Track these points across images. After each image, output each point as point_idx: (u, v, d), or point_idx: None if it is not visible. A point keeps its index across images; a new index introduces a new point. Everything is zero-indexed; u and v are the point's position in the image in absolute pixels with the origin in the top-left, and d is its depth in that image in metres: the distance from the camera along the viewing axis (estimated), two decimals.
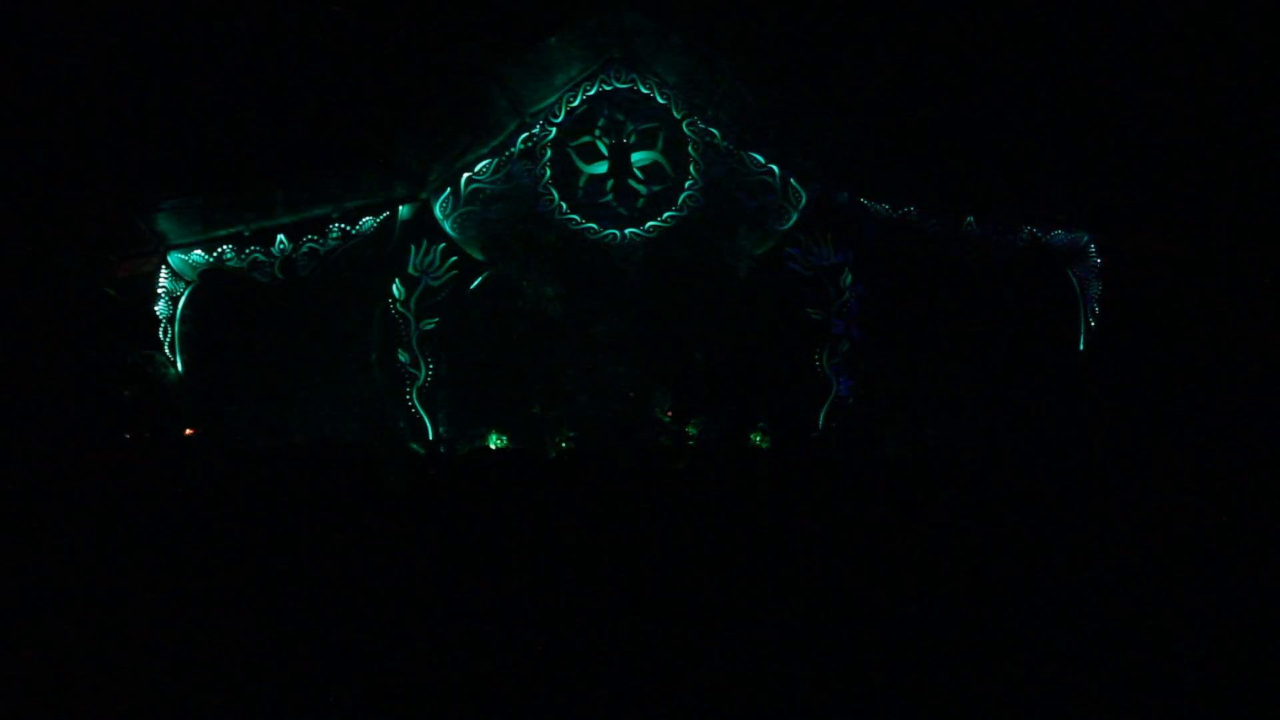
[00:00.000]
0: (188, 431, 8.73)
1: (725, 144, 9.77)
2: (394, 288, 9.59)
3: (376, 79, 7.97)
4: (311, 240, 9.40)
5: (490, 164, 9.75)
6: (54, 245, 7.88)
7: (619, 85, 9.70)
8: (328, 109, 8.05)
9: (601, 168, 9.83)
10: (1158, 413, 7.92)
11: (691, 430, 9.47)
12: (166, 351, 8.98)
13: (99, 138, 7.47)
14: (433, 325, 9.68)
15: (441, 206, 9.72)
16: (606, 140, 9.81)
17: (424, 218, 9.71)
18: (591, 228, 9.76)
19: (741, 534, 4.34)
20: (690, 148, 9.76)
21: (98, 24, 6.52)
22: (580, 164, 9.84)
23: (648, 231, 9.78)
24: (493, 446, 9.46)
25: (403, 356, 9.62)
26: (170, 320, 9.12)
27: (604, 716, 3.39)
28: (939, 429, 9.24)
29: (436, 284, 9.69)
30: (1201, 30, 6.53)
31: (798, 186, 9.79)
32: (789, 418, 9.61)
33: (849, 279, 9.70)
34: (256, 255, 9.31)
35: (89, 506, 4.71)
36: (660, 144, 9.84)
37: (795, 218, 9.81)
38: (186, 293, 9.18)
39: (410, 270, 9.63)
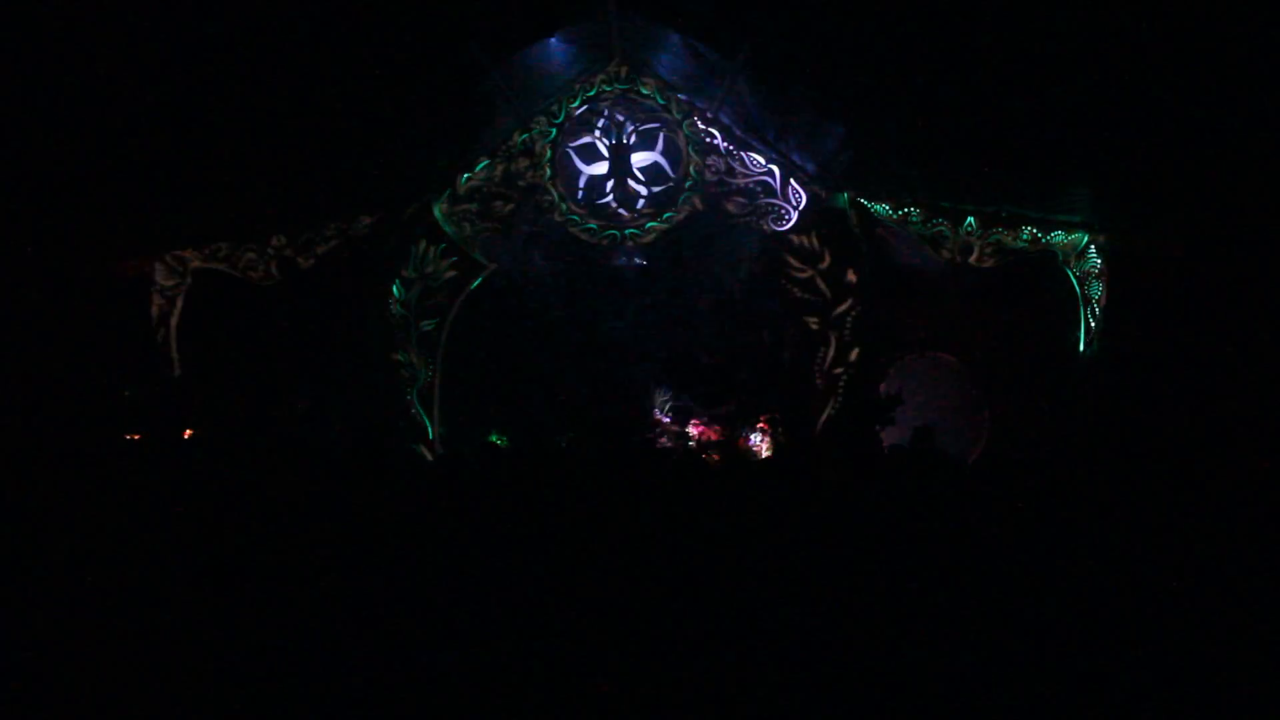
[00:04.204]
0: (187, 432, 8.72)
1: (725, 144, 9.76)
2: (394, 288, 9.59)
3: (375, 78, 7.96)
4: (309, 240, 9.39)
5: (490, 164, 9.75)
6: (53, 245, 7.88)
7: (619, 85, 9.69)
8: (326, 108, 8.05)
9: (601, 168, 9.83)
10: (1160, 414, 7.92)
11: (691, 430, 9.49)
12: (165, 351, 8.98)
13: (94, 138, 7.47)
14: (433, 325, 9.68)
15: (441, 206, 9.71)
16: (606, 140, 9.80)
17: (424, 218, 9.70)
18: (591, 228, 9.75)
19: (741, 535, 4.34)
20: (690, 148, 9.75)
21: (85, 22, 6.50)
22: (580, 164, 9.84)
23: (647, 232, 9.77)
24: None
25: (402, 357, 9.62)
26: (168, 320, 9.10)
27: (605, 717, 3.39)
28: (938, 430, 9.22)
29: (436, 284, 9.69)
30: (1202, 30, 6.53)
31: (798, 187, 9.78)
32: (789, 419, 9.61)
33: (849, 279, 9.69)
34: (253, 255, 9.29)
35: (88, 507, 4.70)
36: (660, 144, 9.84)
37: (795, 219, 9.80)
38: (184, 293, 9.17)
39: (410, 270, 9.63)
